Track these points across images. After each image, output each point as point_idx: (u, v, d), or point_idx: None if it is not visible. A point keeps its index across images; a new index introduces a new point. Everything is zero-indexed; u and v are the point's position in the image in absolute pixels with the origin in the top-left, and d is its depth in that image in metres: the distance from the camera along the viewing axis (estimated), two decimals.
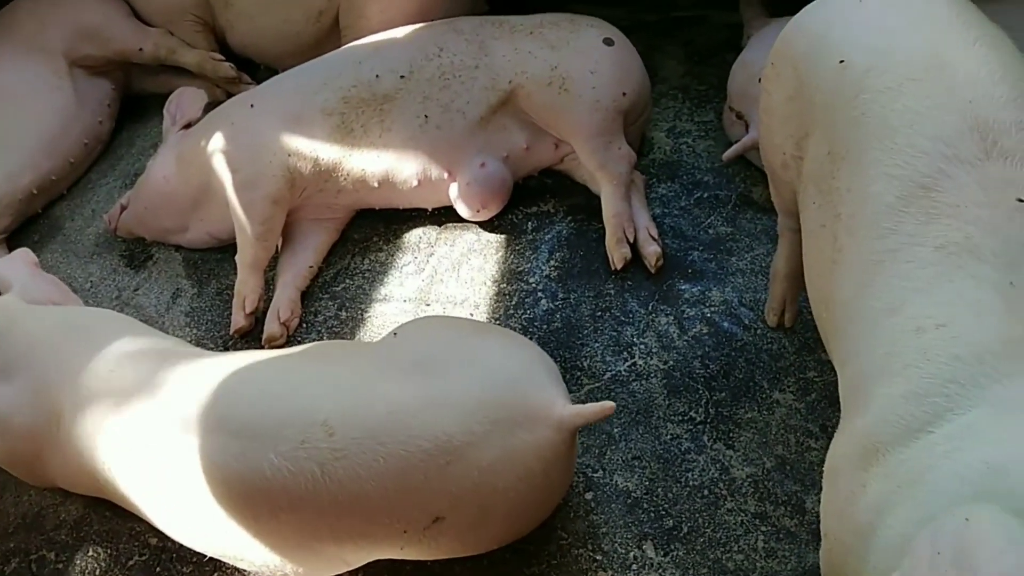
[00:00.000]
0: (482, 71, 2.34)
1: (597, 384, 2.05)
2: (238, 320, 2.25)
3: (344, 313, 2.32)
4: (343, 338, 2.26)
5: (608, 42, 2.38)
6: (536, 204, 2.51)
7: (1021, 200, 1.21)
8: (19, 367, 1.81)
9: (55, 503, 2.00)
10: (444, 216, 2.48)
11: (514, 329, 2.18)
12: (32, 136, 2.70)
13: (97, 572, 1.87)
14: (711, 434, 1.93)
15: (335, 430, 1.52)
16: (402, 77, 2.33)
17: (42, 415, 1.77)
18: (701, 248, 2.31)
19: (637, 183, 2.41)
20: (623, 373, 2.07)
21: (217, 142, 2.35)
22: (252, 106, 2.38)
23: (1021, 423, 1.06)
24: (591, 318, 2.19)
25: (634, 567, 1.74)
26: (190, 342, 2.24)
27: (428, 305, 2.30)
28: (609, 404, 1.57)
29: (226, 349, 2.27)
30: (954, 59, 1.35)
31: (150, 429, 1.65)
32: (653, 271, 2.25)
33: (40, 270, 2.12)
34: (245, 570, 1.80)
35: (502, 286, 2.31)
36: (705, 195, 2.45)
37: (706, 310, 2.16)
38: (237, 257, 2.31)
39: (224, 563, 1.80)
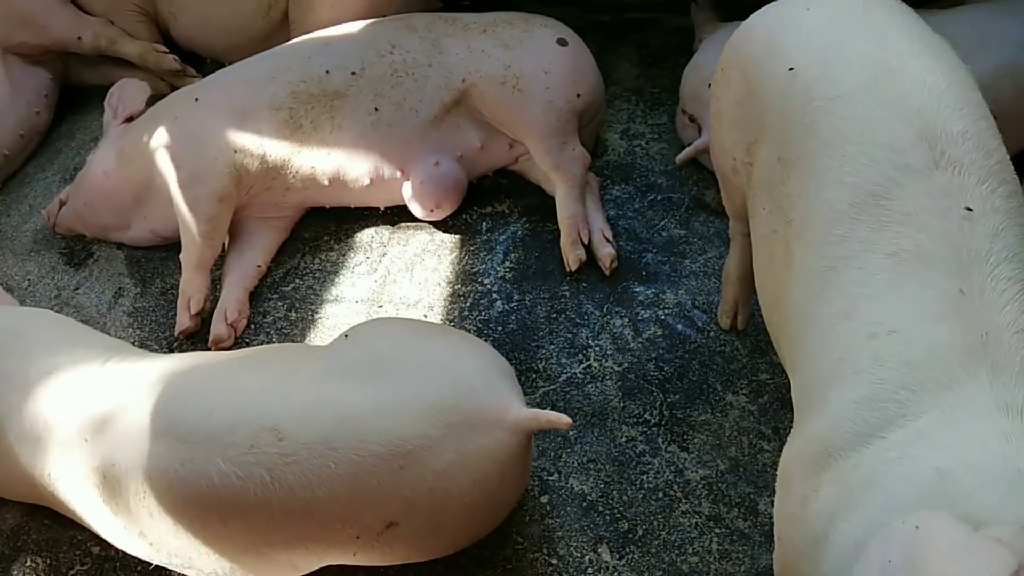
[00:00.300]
0: (435, 69, 2.31)
1: (552, 386, 2.04)
2: (183, 321, 2.19)
3: (294, 314, 2.27)
4: (293, 340, 2.21)
5: (562, 42, 2.37)
6: (491, 204, 2.49)
7: (969, 209, 1.23)
8: None
9: None
10: (397, 215, 2.44)
11: (469, 331, 2.16)
12: None
13: None
14: (665, 436, 1.93)
15: (285, 435, 1.48)
16: (353, 74, 2.28)
17: None
18: (655, 250, 2.31)
19: (591, 185, 2.41)
20: (578, 375, 2.06)
21: (160, 137, 2.28)
22: (197, 100, 2.31)
23: (970, 429, 1.08)
24: (546, 320, 2.18)
25: (590, 571, 1.73)
26: (133, 343, 2.17)
27: (381, 306, 2.26)
28: (566, 418, 1.56)
29: (171, 351, 2.21)
30: (901, 68, 1.37)
31: (92, 434, 1.59)
32: (608, 273, 2.24)
33: None
34: None
35: (456, 287, 2.28)
36: (659, 197, 2.45)
37: (660, 312, 2.17)
38: (182, 256, 2.24)
39: (171, 571, 1.73)
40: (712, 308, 2.16)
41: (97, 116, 2.63)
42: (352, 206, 2.44)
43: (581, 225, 2.28)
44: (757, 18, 1.64)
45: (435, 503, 1.51)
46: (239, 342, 2.21)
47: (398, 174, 2.33)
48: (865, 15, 1.48)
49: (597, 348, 2.11)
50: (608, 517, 1.81)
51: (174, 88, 2.71)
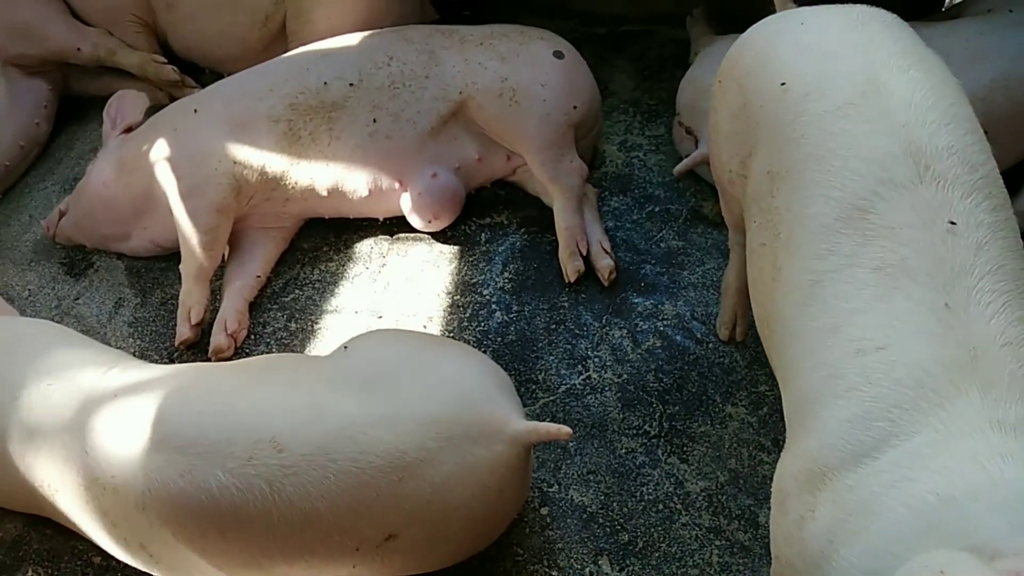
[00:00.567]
0: (432, 81, 2.32)
1: (552, 398, 2.05)
2: (183, 332, 2.19)
3: (293, 325, 2.27)
4: (292, 350, 2.21)
5: (558, 55, 2.38)
6: (489, 215, 2.49)
7: (953, 223, 1.24)
8: None
9: None
10: (396, 226, 2.45)
11: (468, 342, 2.16)
12: None
13: None
14: (665, 448, 1.93)
15: (284, 446, 1.48)
16: (351, 85, 2.29)
17: None
18: (653, 262, 2.32)
19: (589, 196, 2.42)
20: (577, 387, 2.06)
21: (159, 148, 2.28)
22: (196, 111, 2.32)
23: (965, 449, 1.08)
24: (545, 331, 2.19)
25: None
26: (134, 353, 2.18)
27: (380, 317, 2.26)
28: (566, 429, 1.56)
29: (171, 361, 2.21)
30: (889, 83, 1.38)
31: (92, 446, 1.58)
32: (606, 284, 2.25)
33: None
34: None
35: (455, 298, 2.29)
36: (657, 209, 2.46)
37: (659, 324, 2.17)
38: (181, 267, 2.24)
39: None
40: (711, 319, 2.16)
41: (96, 127, 2.64)
42: (351, 217, 2.44)
43: (579, 236, 2.29)
44: (753, 32, 1.66)
45: (434, 515, 1.51)
46: (239, 352, 2.21)
47: (396, 185, 2.33)
48: (858, 29, 1.49)
49: (596, 359, 2.12)
50: (608, 529, 1.81)
51: (173, 99, 2.71)
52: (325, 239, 2.47)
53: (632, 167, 2.60)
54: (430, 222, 2.37)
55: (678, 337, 2.14)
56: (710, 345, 2.11)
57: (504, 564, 1.77)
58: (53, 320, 2.24)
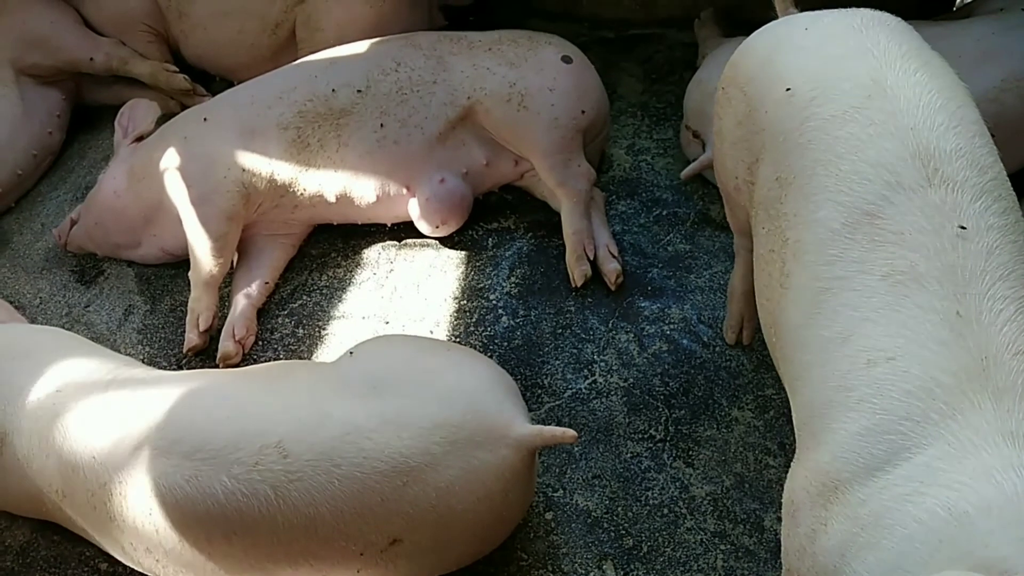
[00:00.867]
0: (440, 87, 2.32)
1: (558, 402, 2.05)
2: (191, 338, 2.21)
3: (301, 331, 2.28)
4: (300, 356, 2.22)
5: (566, 59, 2.38)
6: (496, 220, 2.50)
7: (962, 227, 1.22)
8: None
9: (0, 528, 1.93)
10: (404, 232, 2.46)
11: (474, 346, 2.17)
12: None
13: None
14: (671, 452, 1.93)
15: (289, 452, 1.50)
16: (359, 92, 2.31)
17: None
18: (660, 265, 2.32)
19: (597, 200, 2.42)
20: (583, 391, 2.06)
21: (170, 157, 2.30)
22: (205, 120, 2.34)
23: (978, 463, 1.05)
24: (552, 335, 2.19)
25: None
26: (143, 360, 2.19)
27: (387, 322, 2.27)
28: (571, 432, 1.56)
29: (180, 367, 2.23)
30: (895, 86, 1.36)
31: (99, 451, 1.60)
32: (613, 288, 2.25)
33: None
34: None
35: (462, 303, 2.29)
36: (664, 212, 2.46)
37: (665, 327, 2.17)
38: (191, 274, 2.26)
39: None
40: (717, 323, 2.16)
41: (109, 135, 2.66)
42: (359, 223, 2.46)
43: (586, 241, 2.29)
44: (756, 38, 1.65)
45: (439, 520, 1.51)
46: (247, 358, 2.22)
47: (404, 191, 2.34)
48: (862, 33, 1.48)
49: (602, 363, 2.11)
50: (613, 534, 1.81)
51: (184, 107, 2.74)
52: (333, 245, 2.49)
53: (640, 171, 2.60)
54: (438, 227, 2.38)
55: (684, 341, 2.13)
56: (716, 349, 2.11)
57: (508, 569, 1.76)
58: (63, 327, 2.26)
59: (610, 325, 2.19)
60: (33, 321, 2.33)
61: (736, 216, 1.83)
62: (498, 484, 1.55)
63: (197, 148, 2.30)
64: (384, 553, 1.51)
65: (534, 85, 2.32)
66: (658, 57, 2.98)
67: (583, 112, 2.36)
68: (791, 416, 1.40)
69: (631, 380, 2.07)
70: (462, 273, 2.37)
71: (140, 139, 2.47)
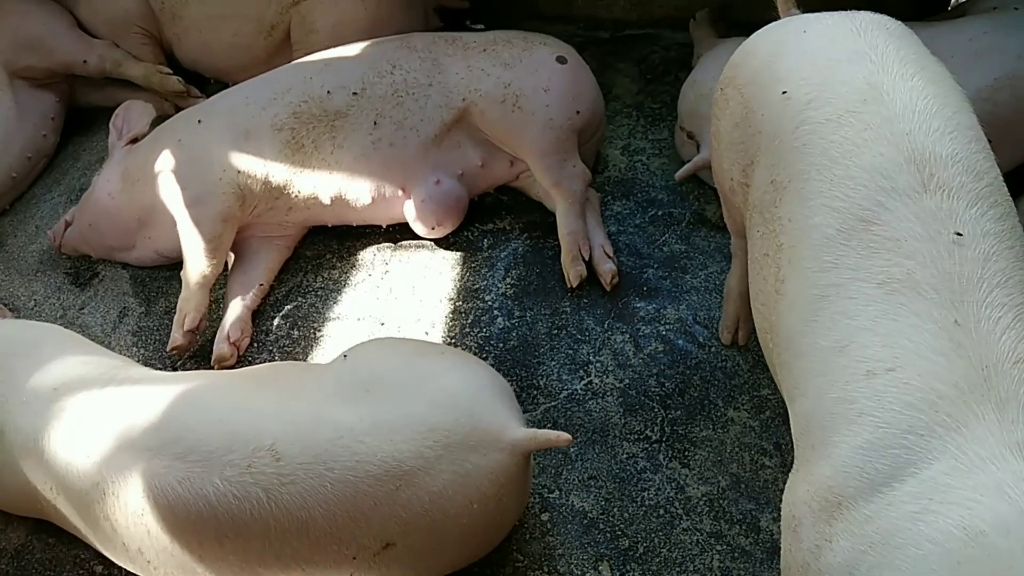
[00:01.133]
0: (435, 88, 2.32)
1: (553, 403, 2.04)
2: (176, 337, 2.18)
3: (296, 332, 2.28)
4: (295, 358, 2.22)
5: (561, 60, 2.38)
6: (492, 221, 2.49)
7: (959, 234, 1.20)
8: None
9: None
10: (399, 233, 2.45)
11: (470, 347, 2.16)
12: None
13: None
14: (667, 453, 1.92)
15: (282, 455, 1.49)
16: (354, 94, 2.30)
17: None
18: (656, 266, 2.31)
19: (592, 201, 2.41)
20: (579, 392, 2.06)
21: (164, 159, 2.30)
22: (200, 121, 2.33)
23: (988, 480, 1.03)
24: (547, 336, 2.18)
25: None
26: (137, 363, 2.18)
27: (383, 324, 2.26)
28: (565, 436, 1.55)
29: (174, 370, 2.22)
30: (892, 91, 1.35)
31: (93, 450, 1.60)
32: (608, 289, 2.24)
33: None
34: None
35: (458, 304, 2.29)
36: (660, 213, 2.45)
37: (661, 328, 2.16)
38: (183, 274, 2.25)
39: None
40: (713, 323, 2.15)
41: (103, 137, 2.66)
42: (354, 224, 2.45)
43: (582, 241, 2.29)
44: (754, 40, 1.64)
45: (432, 524, 1.50)
46: (242, 360, 2.22)
47: (399, 193, 2.34)
48: (861, 37, 1.46)
49: (598, 364, 2.11)
50: (609, 534, 1.80)
51: (179, 109, 2.74)
52: (328, 247, 2.48)
53: (635, 171, 2.59)
54: (433, 229, 2.37)
55: (680, 341, 2.13)
56: (712, 349, 2.10)
57: (504, 570, 1.76)
58: None
59: (606, 326, 2.19)
60: None
61: (733, 218, 1.83)
62: (492, 488, 1.54)
63: (192, 150, 2.30)
64: (377, 557, 1.50)
65: (529, 86, 2.32)
66: (653, 58, 2.98)
67: (578, 113, 2.35)
68: (787, 417, 1.39)
69: (627, 381, 2.06)
70: (458, 274, 2.37)
71: (134, 141, 2.46)
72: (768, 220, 1.44)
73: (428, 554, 1.55)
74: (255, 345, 2.26)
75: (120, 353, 2.24)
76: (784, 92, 1.46)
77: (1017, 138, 2.21)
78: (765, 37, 1.63)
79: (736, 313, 2.06)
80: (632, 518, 1.82)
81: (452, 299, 2.30)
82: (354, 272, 2.41)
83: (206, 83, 2.98)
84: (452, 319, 2.25)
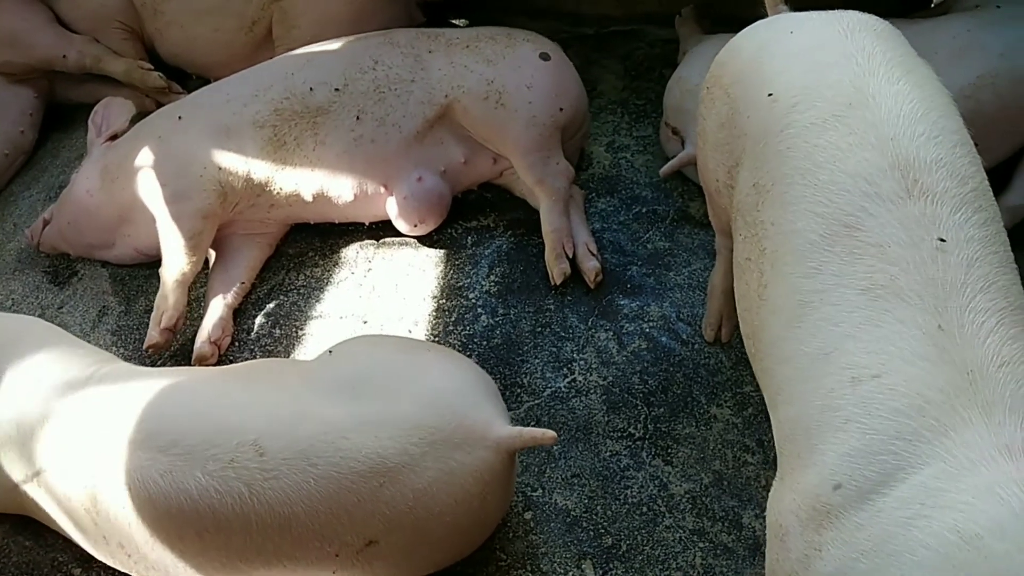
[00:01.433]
0: (418, 85, 2.31)
1: (537, 401, 2.04)
2: (153, 335, 2.14)
3: (278, 331, 2.26)
4: (277, 357, 2.20)
5: (545, 57, 2.37)
6: (476, 218, 2.49)
7: (942, 240, 1.20)
8: None
9: None
10: (382, 231, 2.44)
11: (453, 345, 2.15)
12: None
13: None
14: (650, 450, 1.92)
15: (266, 450, 1.48)
16: (336, 90, 2.28)
17: None
18: (640, 263, 2.31)
19: (576, 198, 2.41)
20: (563, 390, 2.05)
21: (144, 156, 2.27)
22: (180, 118, 2.31)
23: (979, 482, 1.02)
24: (531, 334, 2.18)
25: None
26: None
27: (366, 322, 2.25)
28: (551, 433, 1.55)
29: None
30: (877, 95, 1.34)
31: (76, 443, 1.58)
32: (592, 286, 2.24)
33: None
34: None
35: (441, 302, 2.28)
36: (644, 210, 2.45)
37: (645, 325, 2.16)
38: (162, 271, 2.22)
39: None
40: (697, 320, 2.15)
41: (82, 134, 2.63)
42: (337, 222, 2.44)
43: (566, 239, 2.28)
44: (741, 39, 1.63)
45: (416, 521, 1.50)
46: (223, 359, 2.20)
47: (382, 190, 2.32)
48: (848, 38, 1.45)
49: (582, 362, 2.11)
50: (592, 533, 1.80)
51: (160, 105, 2.70)
52: (311, 244, 2.46)
53: (619, 168, 2.59)
54: (416, 226, 2.36)
55: (664, 338, 2.13)
56: (695, 346, 2.10)
57: (487, 569, 1.75)
58: None
59: (589, 323, 2.19)
60: None
61: (718, 217, 1.82)
62: (476, 486, 1.54)
63: (172, 147, 2.27)
64: (360, 554, 1.50)
65: (512, 83, 2.31)
66: (638, 54, 2.97)
67: (561, 109, 2.35)
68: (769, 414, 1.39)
69: (610, 378, 2.06)
70: (441, 272, 2.36)
71: (114, 138, 2.43)
72: (751, 224, 1.43)
73: (411, 552, 1.54)
74: (236, 344, 2.24)
75: None
76: (770, 94, 1.45)
77: (999, 135, 2.22)
78: (752, 36, 1.61)
79: (719, 310, 2.06)
80: (615, 516, 1.82)
81: (436, 297, 2.29)
82: (337, 270, 2.40)
83: (187, 79, 2.96)
84: (436, 317, 2.25)
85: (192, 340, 2.21)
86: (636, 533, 1.79)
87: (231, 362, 2.18)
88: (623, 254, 2.34)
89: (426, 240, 2.43)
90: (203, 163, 2.24)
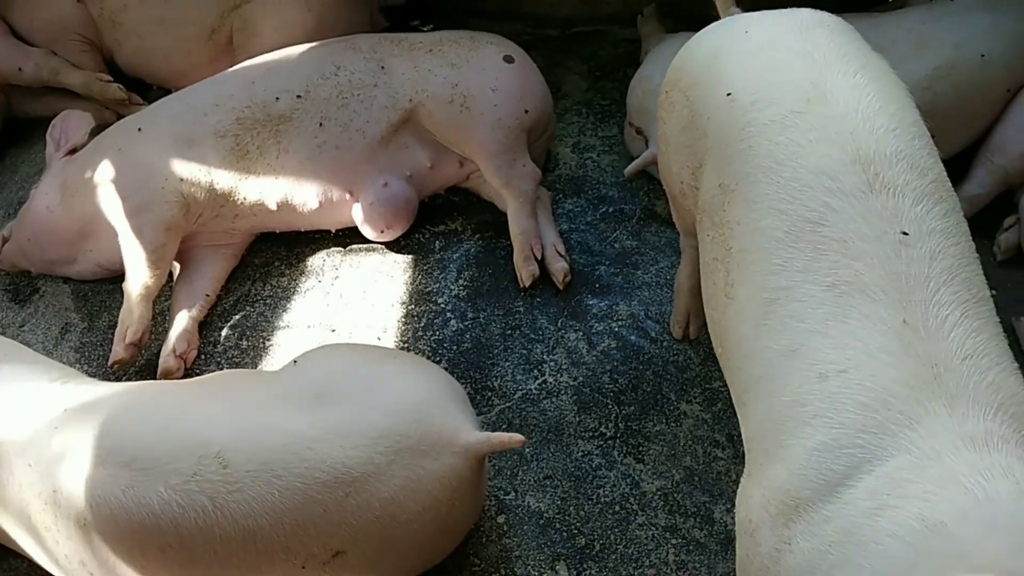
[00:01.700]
0: (381, 89, 2.29)
1: (508, 404, 2.03)
2: (118, 351, 2.11)
3: (245, 342, 2.24)
4: (245, 368, 2.17)
5: (508, 59, 2.37)
6: (443, 223, 2.47)
7: (905, 233, 1.21)
8: None
9: None
10: (349, 238, 2.42)
11: (423, 351, 2.14)
12: None
13: None
14: (621, 449, 1.92)
15: (229, 462, 1.46)
16: (298, 97, 2.27)
17: None
18: (608, 263, 2.31)
19: (543, 199, 2.40)
20: (534, 392, 2.04)
21: (104, 169, 2.24)
22: (140, 130, 2.28)
23: (944, 472, 1.03)
24: (501, 337, 2.17)
25: None
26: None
27: (334, 331, 2.23)
28: (519, 437, 1.54)
29: None
30: (835, 90, 1.35)
31: (36, 459, 1.55)
32: (561, 287, 2.24)
33: None
34: None
35: (410, 308, 2.26)
36: (611, 209, 2.45)
37: (614, 324, 2.16)
38: (125, 285, 2.19)
39: None
40: (665, 318, 2.15)
41: (41, 149, 2.58)
42: (303, 230, 2.42)
43: (534, 240, 2.28)
44: (696, 41, 1.62)
45: (383, 531, 1.48)
46: (190, 372, 2.17)
47: (347, 196, 2.31)
48: (803, 36, 1.46)
49: (552, 363, 2.10)
50: (565, 534, 1.79)
51: (120, 117, 2.67)
52: (276, 254, 2.44)
53: (585, 169, 2.59)
54: (383, 232, 2.35)
55: (633, 337, 2.13)
56: (664, 344, 2.10)
57: (461, 575, 1.74)
58: None
59: (559, 324, 2.18)
60: None
61: (683, 218, 1.81)
62: (444, 493, 1.52)
63: (132, 159, 2.24)
64: (327, 566, 1.48)
65: (476, 86, 2.30)
66: (602, 54, 2.98)
67: (526, 111, 2.34)
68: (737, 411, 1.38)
69: (581, 379, 2.06)
70: (409, 277, 2.34)
71: (73, 152, 2.39)
72: (717, 224, 1.43)
73: (380, 561, 1.52)
74: (203, 357, 2.21)
75: None
76: (728, 94, 1.45)
77: (956, 126, 2.25)
78: (707, 38, 1.61)
79: (686, 308, 2.06)
80: (588, 516, 1.82)
81: (404, 303, 2.28)
82: (303, 279, 2.37)
83: (148, 90, 2.92)
84: (404, 323, 2.23)
85: (158, 354, 2.18)
86: (609, 532, 1.79)
87: (198, 375, 2.15)
88: (591, 254, 2.34)
89: (393, 246, 2.42)
90: (164, 175, 2.21)
